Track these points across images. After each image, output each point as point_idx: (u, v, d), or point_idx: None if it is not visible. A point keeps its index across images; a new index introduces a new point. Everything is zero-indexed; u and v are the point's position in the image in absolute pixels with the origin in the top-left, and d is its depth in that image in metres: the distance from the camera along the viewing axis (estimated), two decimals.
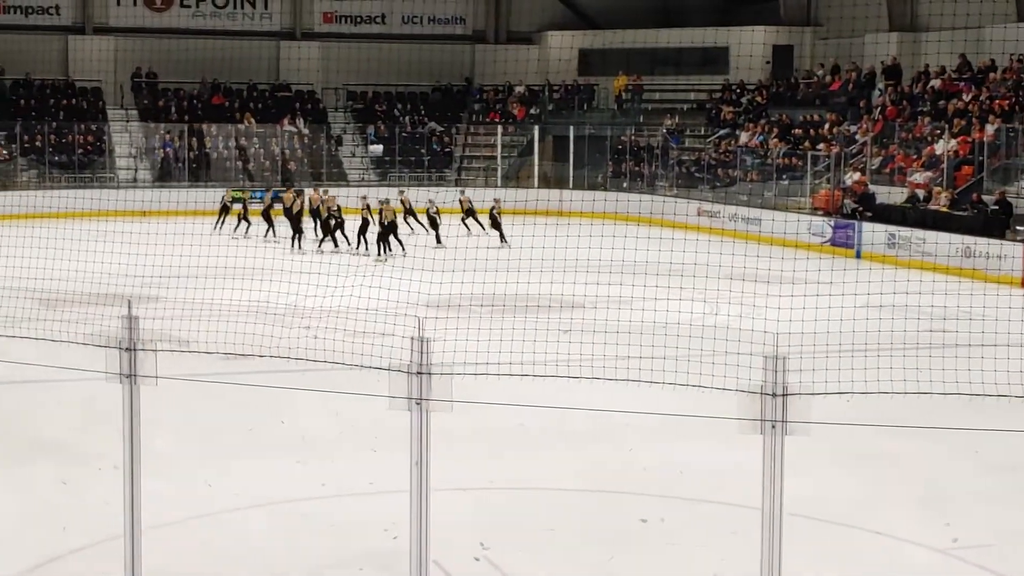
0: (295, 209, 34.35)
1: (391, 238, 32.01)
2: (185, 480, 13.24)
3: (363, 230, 32.70)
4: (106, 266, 19.45)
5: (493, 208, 35.35)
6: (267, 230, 35.64)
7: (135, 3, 50.14)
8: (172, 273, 20.82)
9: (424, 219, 35.53)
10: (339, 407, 14.87)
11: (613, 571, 11.03)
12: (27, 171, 45.10)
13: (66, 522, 12.04)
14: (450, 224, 33.66)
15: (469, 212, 36.91)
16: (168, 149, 47.02)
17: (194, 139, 47.00)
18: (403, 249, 31.74)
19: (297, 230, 33.76)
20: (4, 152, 45.09)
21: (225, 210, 37.31)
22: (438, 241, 33.63)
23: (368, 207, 32.93)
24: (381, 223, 31.96)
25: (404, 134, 49.23)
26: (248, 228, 35.96)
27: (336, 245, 32.98)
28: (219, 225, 36.43)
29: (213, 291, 18.85)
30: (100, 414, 14.00)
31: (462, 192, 39.22)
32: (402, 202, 36.67)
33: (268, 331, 14.58)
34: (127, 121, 48.50)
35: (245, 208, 37.21)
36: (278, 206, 36.27)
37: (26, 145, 45.23)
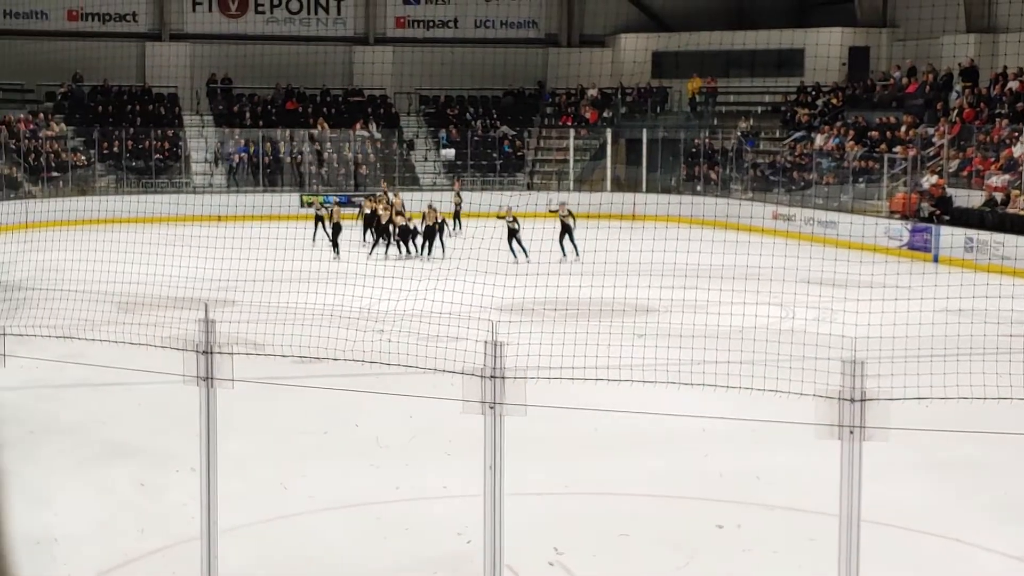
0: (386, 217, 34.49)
1: (435, 240, 32.73)
2: (260, 482, 13.33)
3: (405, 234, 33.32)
4: (182, 270, 19.64)
5: (560, 213, 32.90)
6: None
7: (210, 10, 50.66)
8: (247, 277, 20.98)
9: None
10: (413, 410, 14.90)
11: None
12: (105, 176, 45.68)
13: (144, 524, 12.16)
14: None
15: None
16: (242, 154, 47.44)
17: (268, 144, 47.37)
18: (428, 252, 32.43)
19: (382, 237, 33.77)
20: (83, 158, 45.71)
21: (320, 220, 36.73)
22: (521, 254, 31.82)
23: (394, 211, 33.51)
24: (427, 225, 32.80)
25: (476, 138, 49.31)
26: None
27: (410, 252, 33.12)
28: (332, 236, 36.48)
29: (288, 295, 18.97)
30: (177, 417, 14.13)
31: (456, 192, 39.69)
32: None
33: (342, 334, 14.62)
34: (202, 127, 49.00)
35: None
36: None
37: (104, 151, 45.82)
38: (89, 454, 14.64)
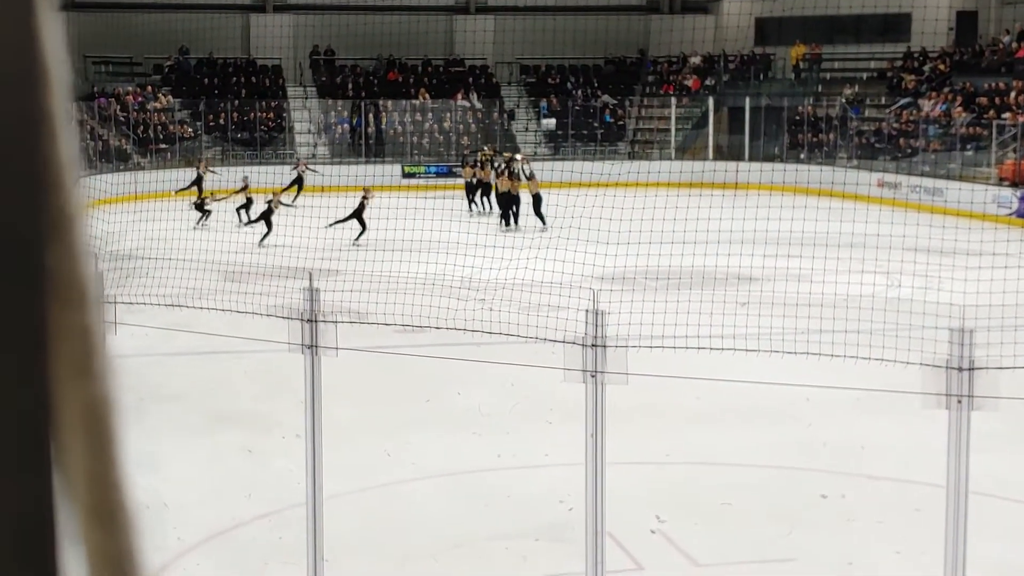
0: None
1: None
2: (364, 450, 13.46)
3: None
4: (288, 239, 19.88)
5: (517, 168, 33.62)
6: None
7: None
8: (351, 246, 21.20)
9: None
10: (514, 379, 14.95)
11: (791, 547, 10.88)
12: (211, 148, 46.26)
13: (251, 490, 12.35)
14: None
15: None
16: (345, 125, 47.75)
17: (370, 115, 47.62)
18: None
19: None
20: (189, 129, 46.34)
21: (200, 182, 35.54)
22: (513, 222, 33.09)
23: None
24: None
25: (577, 107, 49.14)
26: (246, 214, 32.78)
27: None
28: (472, 206, 36.61)
29: (391, 263, 19.10)
30: (283, 384, 14.33)
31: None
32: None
33: (444, 303, 14.71)
34: (306, 98, 49.37)
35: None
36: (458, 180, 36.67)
37: (210, 123, 46.41)
38: (197, 421, 14.89)
